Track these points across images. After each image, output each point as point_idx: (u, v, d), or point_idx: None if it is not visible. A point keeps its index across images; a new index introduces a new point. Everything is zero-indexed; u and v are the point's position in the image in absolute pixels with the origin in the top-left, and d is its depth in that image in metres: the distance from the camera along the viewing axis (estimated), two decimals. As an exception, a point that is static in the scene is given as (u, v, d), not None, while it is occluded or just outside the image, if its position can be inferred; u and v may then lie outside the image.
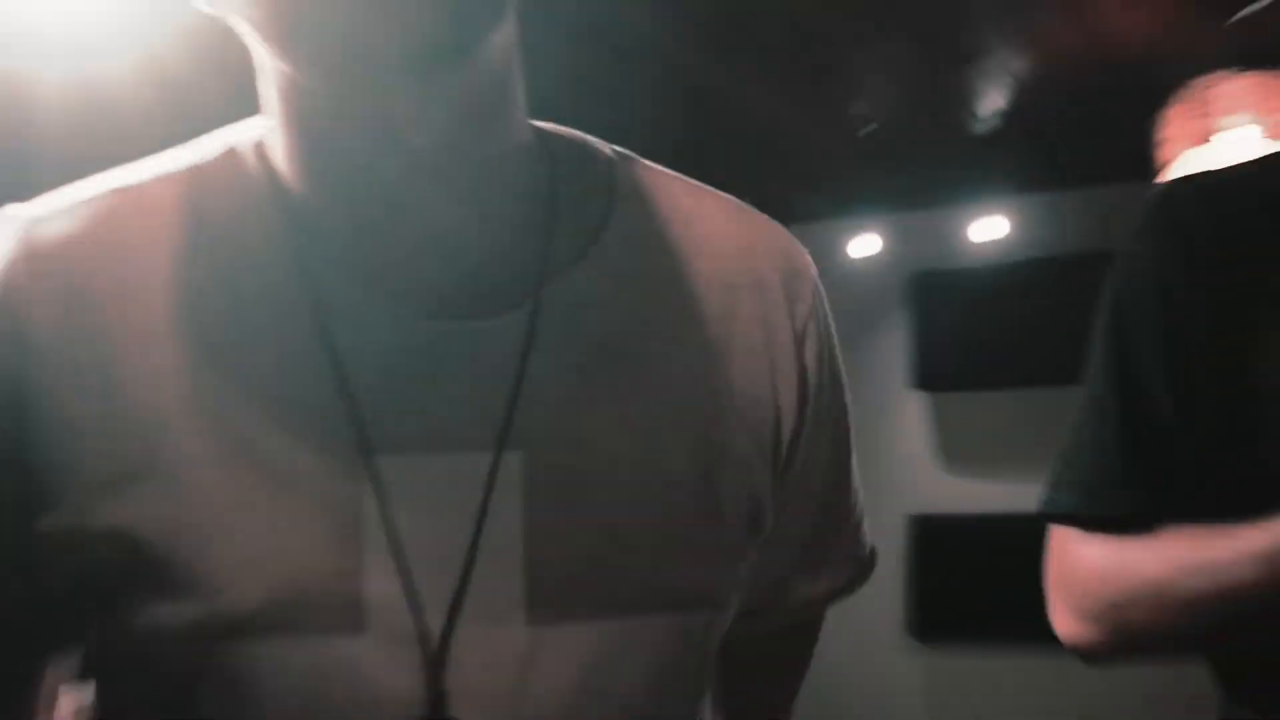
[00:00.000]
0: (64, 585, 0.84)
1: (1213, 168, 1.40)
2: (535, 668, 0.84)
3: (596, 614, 0.86)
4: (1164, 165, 4.08)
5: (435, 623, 0.83)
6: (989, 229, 5.99)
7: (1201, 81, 3.88)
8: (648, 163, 1.03)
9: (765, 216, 1.04)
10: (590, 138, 1.01)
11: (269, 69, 0.87)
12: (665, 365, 0.92)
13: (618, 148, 1.02)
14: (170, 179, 0.91)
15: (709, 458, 0.92)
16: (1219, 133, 3.82)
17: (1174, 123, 4.00)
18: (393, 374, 0.86)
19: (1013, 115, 4.95)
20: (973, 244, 6.07)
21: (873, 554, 1.14)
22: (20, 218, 0.90)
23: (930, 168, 5.63)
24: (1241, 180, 1.36)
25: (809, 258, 1.04)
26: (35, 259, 0.87)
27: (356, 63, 0.78)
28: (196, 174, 0.91)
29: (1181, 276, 1.31)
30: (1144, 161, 4.64)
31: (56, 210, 0.90)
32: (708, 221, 1.00)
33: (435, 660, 0.82)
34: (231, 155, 0.92)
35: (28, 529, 0.83)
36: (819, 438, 1.01)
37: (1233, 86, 3.85)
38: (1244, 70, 3.93)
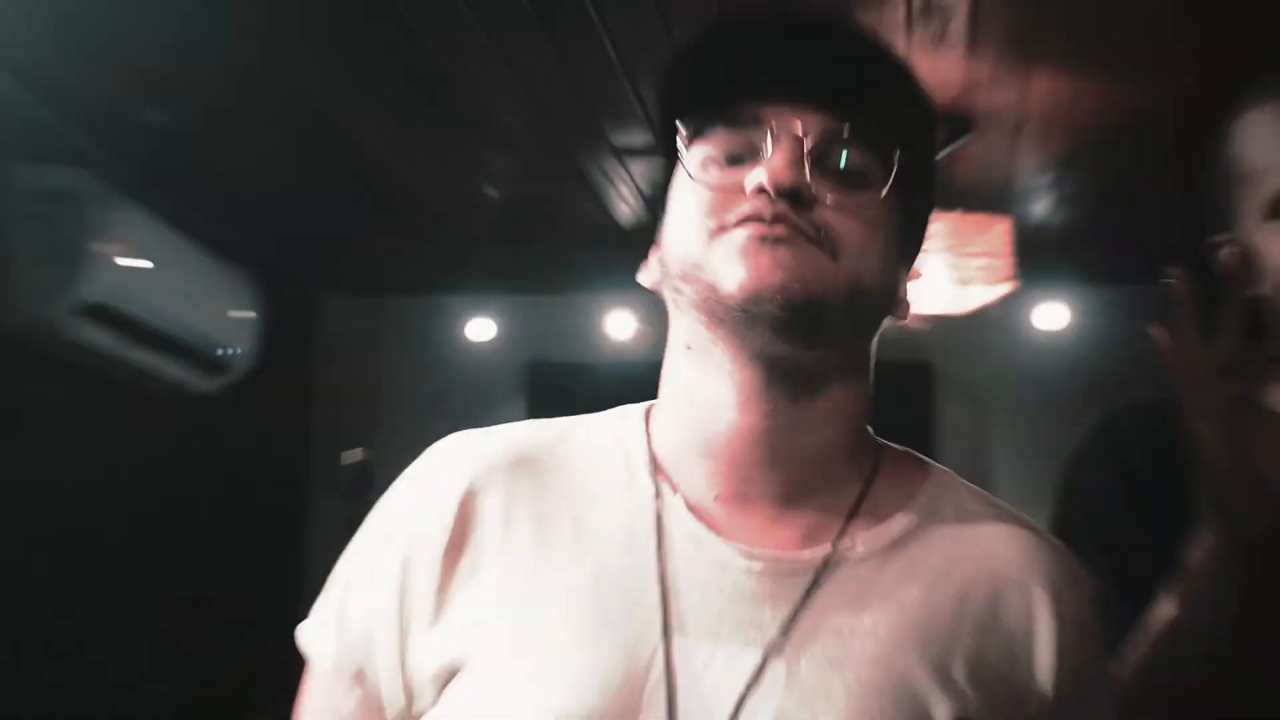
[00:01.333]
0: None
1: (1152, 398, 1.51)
2: None
3: None
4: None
5: None
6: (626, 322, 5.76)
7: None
8: (958, 477, 1.26)
9: (1048, 533, 1.24)
10: (919, 455, 1.28)
11: (675, 335, 1.20)
12: (929, 622, 1.11)
13: (939, 465, 1.27)
14: (582, 425, 1.26)
15: (944, 710, 1.07)
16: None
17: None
18: (697, 583, 1.12)
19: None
20: (608, 336, 5.80)
21: None
22: (473, 437, 1.27)
23: (564, 252, 5.36)
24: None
25: (1084, 573, 1.21)
26: (492, 472, 1.20)
27: (741, 317, 1.10)
28: (598, 424, 1.26)
29: (1120, 504, 1.47)
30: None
31: (504, 436, 1.25)
32: (997, 525, 1.20)
33: None
34: (624, 415, 1.26)
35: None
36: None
37: (936, 225, 3.76)
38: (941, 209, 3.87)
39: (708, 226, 1.13)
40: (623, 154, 4.26)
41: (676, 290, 1.16)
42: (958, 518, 1.20)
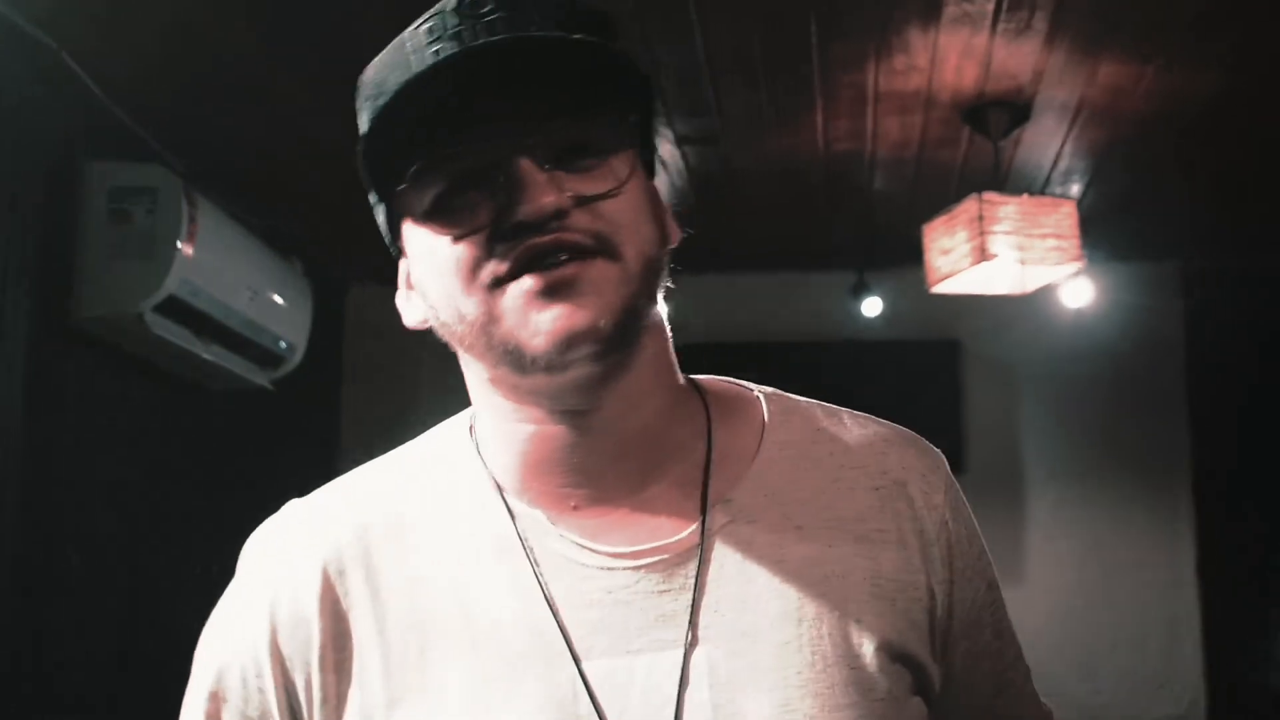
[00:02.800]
0: None
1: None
2: None
3: None
4: (937, 278, 4.05)
5: None
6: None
7: (978, 199, 3.86)
8: (790, 395, 1.25)
9: (893, 424, 1.24)
10: (739, 382, 1.26)
11: (473, 369, 1.15)
12: (820, 561, 1.12)
13: (764, 387, 1.25)
14: (414, 462, 1.21)
15: (863, 638, 1.09)
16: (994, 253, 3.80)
17: (945, 236, 3.97)
18: (589, 600, 1.09)
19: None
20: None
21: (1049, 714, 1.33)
22: (309, 503, 1.21)
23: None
24: None
25: (939, 454, 1.23)
26: (328, 534, 1.15)
27: (557, 367, 1.05)
28: (430, 458, 1.21)
29: None
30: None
31: (340, 494, 1.21)
32: (847, 436, 1.21)
33: None
34: (448, 439, 1.22)
35: None
36: (974, 604, 1.19)
37: (1006, 208, 3.85)
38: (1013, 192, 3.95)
39: (482, 282, 1.05)
40: (682, 141, 4.32)
41: (466, 345, 1.10)
42: (810, 440, 1.19)
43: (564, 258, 1.03)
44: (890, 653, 1.11)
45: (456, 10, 1.06)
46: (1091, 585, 5.78)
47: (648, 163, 1.17)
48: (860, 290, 5.74)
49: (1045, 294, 5.08)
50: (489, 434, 1.17)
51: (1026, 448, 5.91)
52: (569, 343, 1.03)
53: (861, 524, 1.14)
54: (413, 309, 1.15)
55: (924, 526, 1.16)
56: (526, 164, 1.03)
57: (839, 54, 3.63)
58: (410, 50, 1.07)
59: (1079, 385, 5.83)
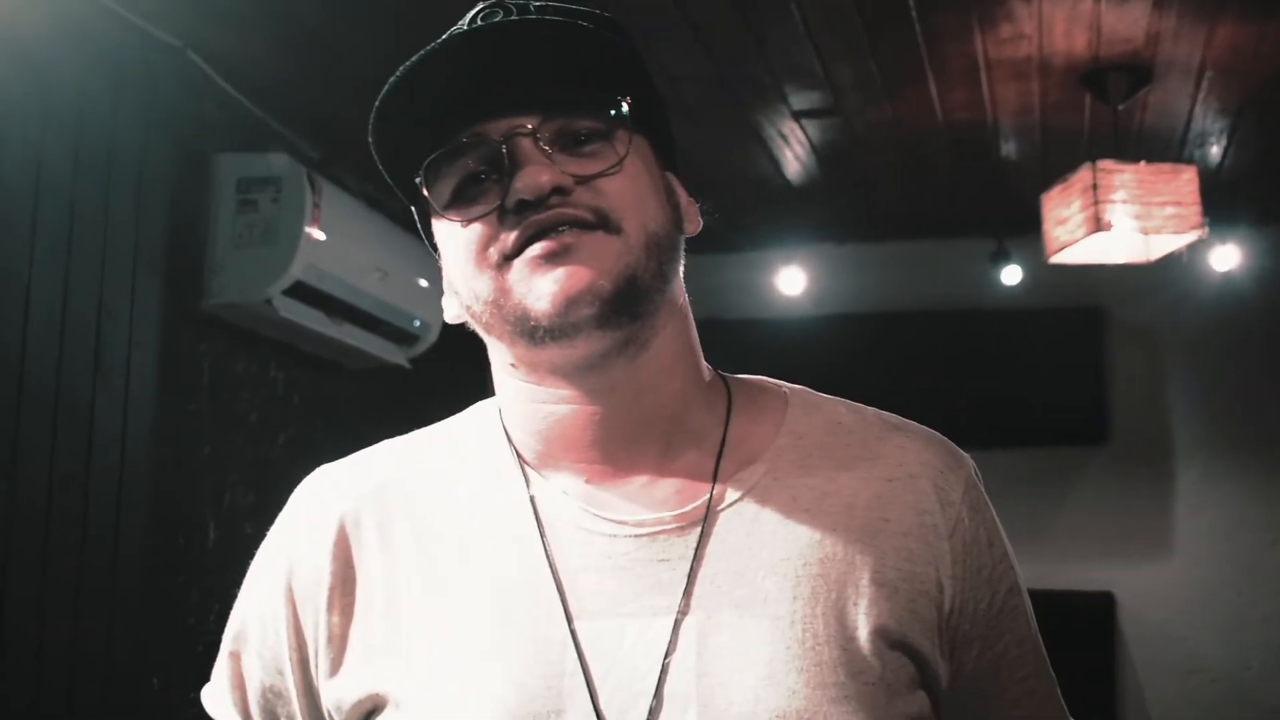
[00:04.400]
0: None
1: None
2: None
3: None
4: (1055, 248, 3.99)
5: None
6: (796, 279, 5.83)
7: (1092, 167, 3.78)
8: (817, 393, 1.28)
9: (921, 426, 1.26)
10: (769, 380, 1.29)
11: (496, 355, 1.21)
12: (823, 544, 1.13)
13: (794, 386, 1.28)
14: (443, 432, 1.29)
15: (859, 621, 1.11)
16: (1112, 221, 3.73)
17: (1061, 205, 3.90)
18: (590, 564, 1.13)
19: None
20: (780, 293, 5.89)
21: None
22: (338, 464, 1.28)
23: (736, 210, 5.43)
24: None
25: (964, 457, 1.24)
26: (349, 490, 1.23)
27: (563, 332, 1.10)
28: (457, 429, 1.28)
29: None
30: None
31: (367, 456, 1.28)
32: (867, 430, 1.23)
33: None
34: (479, 415, 1.28)
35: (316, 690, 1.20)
36: (991, 608, 1.19)
37: (1122, 176, 3.77)
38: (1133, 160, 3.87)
39: (491, 259, 1.11)
40: (800, 115, 4.32)
41: (486, 325, 1.16)
42: (828, 432, 1.21)
43: (564, 229, 1.09)
44: (887, 639, 1.11)
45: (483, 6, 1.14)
46: (1240, 557, 5.62)
47: (666, 154, 1.23)
48: (999, 258, 5.65)
49: (1192, 258, 4.96)
50: (511, 414, 1.22)
51: (1173, 417, 5.77)
52: (569, 302, 1.08)
53: (869, 512, 1.16)
54: (449, 305, 1.22)
55: (936, 521, 1.17)
56: (526, 144, 1.10)
57: (941, 24, 3.58)
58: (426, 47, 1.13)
59: (1227, 352, 5.67)
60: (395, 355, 4.67)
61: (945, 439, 1.25)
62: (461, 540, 1.17)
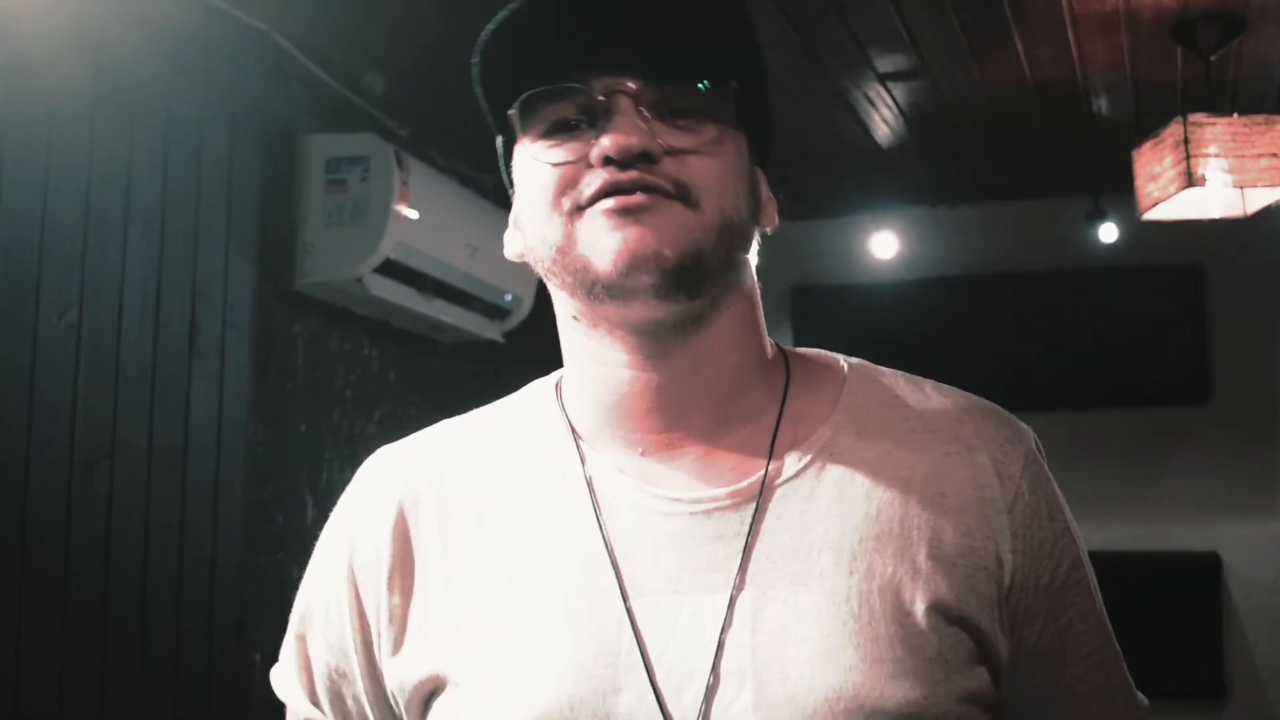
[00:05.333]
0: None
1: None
2: None
3: None
4: (1148, 204, 3.93)
5: None
6: (885, 244, 5.80)
7: (1182, 121, 3.71)
8: (877, 366, 1.27)
9: (980, 399, 1.25)
10: (831, 354, 1.28)
11: (560, 306, 1.21)
12: (879, 519, 1.13)
13: (854, 359, 1.28)
14: (500, 411, 1.30)
15: (916, 596, 1.10)
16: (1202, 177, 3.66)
17: (1153, 161, 3.84)
18: (646, 541, 1.14)
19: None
20: (872, 257, 5.87)
21: (1146, 709, 1.27)
22: (396, 446, 1.30)
23: (826, 175, 5.40)
24: None
25: (1025, 429, 1.23)
26: (407, 471, 1.25)
27: (620, 293, 1.10)
28: (514, 407, 1.29)
29: None
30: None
31: (425, 437, 1.30)
32: (925, 403, 1.22)
33: None
34: (536, 392, 1.29)
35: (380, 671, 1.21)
36: (1054, 583, 1.17)
37: (1215, 129, 3.69)
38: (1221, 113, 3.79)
39: (564, 207, 1.12)
40: (885, 78, 4.29)
41: (548, 271, 1.16)
42: (886, 406, 1.21)
43: (642, 192, 1.09)
44: (946, 615, 1.11)
45: None
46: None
47: (760, 148, 1.22)
48: (1095, 216, 5.57)
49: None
50: (571, 377, 1.23)
51: (1276, 375, 5.66)
52: (631, 264, 1.08)
53: (927, 487, 1.15)
54: (512, 241, 1.23)
55: (995, 495, 1.16)
56: (626, 103, 1.10)
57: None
58: None
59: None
60: (488, 330, 4.71)
61: (1005, 412, 1.24)
62: (517, 520, 1.19)
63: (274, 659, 1.32)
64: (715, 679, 1.07)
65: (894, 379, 1.25)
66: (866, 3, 3.64)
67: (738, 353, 1.19)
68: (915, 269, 5.87)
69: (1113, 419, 5.53)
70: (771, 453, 1.17)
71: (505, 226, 1.23)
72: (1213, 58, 3.89)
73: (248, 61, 3.67)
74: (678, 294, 1.10)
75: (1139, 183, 3.96)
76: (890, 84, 4.34)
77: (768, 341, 1.25)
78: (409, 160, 3.99)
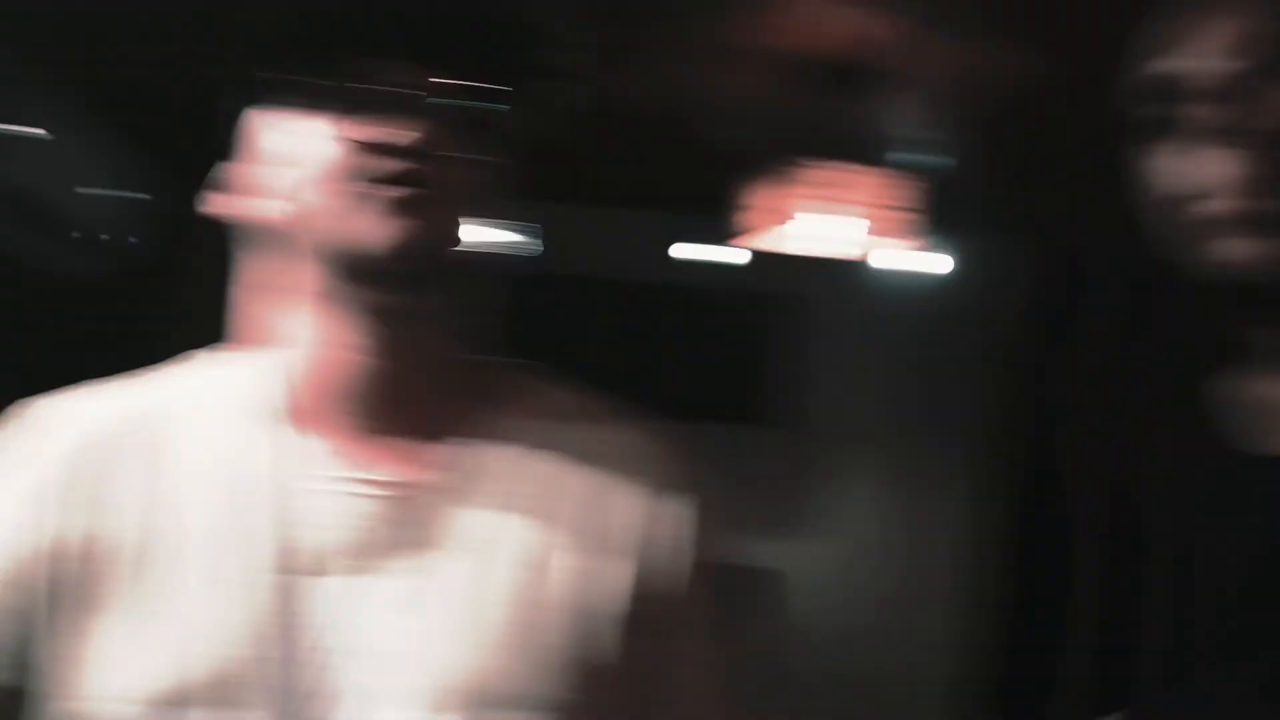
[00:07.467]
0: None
1: None
2: None
3: (450, 705, 1.14)
4: (748, 233, 4.08)
5: (319, 707, 1.13)
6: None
7: (794, 162, 3.88)
8: (549, 375, 1.34)
9: (629, 409, 1.33)
10: (514, 360, 1.33)
11: (292, 280, 1.22)
12: (535, 518, 1.22)
13: (535, 365, 1.33)
14: (195, 375, 1.30)
15: (563, 592, 1.20)
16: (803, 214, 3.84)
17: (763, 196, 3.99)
18: (330, 521, 1.17)
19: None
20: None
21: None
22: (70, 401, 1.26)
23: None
24: None
25: (662, 440, 1.33)
26: (98, 437, 1.22)
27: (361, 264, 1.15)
28: (211, 374, 1.29)
29: None
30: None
31: (108, 396, 1.27)
32: (594, 425, 1.30)
33: None
34: (253, 360, 1.27)
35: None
36: (672, 585, 1.26)
37: (822, 173, 3.87)
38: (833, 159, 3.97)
39: (335, 186, 1.14)
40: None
41: (302, 241, 1.18)
42: (560, 417, 1.29)
43: (404, 185, 1.14)
44: (560, 595, 1.21)
45: None
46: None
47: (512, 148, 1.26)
48: (687, 236, 5.82)
49: (886, 257, 5.07)
50: (294, 357, 1.25)
51: (860, 408, 6.00)
52: (396, 253, 1.14)
53: (579, 491, 1.26)
54: (256, 205, 1.22)
55: (636, 503, 1.27)
56: (404, 98, 1.14)
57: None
58: None
59: (911, 346, 5.95)
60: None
61: (650, 423, 1.34)
62: (199, 490, 1.20)
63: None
64: (374, 661, 1.15)
65: (576, 398, 1.34)
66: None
67: (442, 350, 1.27)
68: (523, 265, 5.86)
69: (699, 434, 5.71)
70: (460, 451, 1.24)
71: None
72: (837, 104, 4.07)
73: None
74: (417, 284, 1.19)
75: (743, 213, 4.10)
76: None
77: (472, 344, 1.32)
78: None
